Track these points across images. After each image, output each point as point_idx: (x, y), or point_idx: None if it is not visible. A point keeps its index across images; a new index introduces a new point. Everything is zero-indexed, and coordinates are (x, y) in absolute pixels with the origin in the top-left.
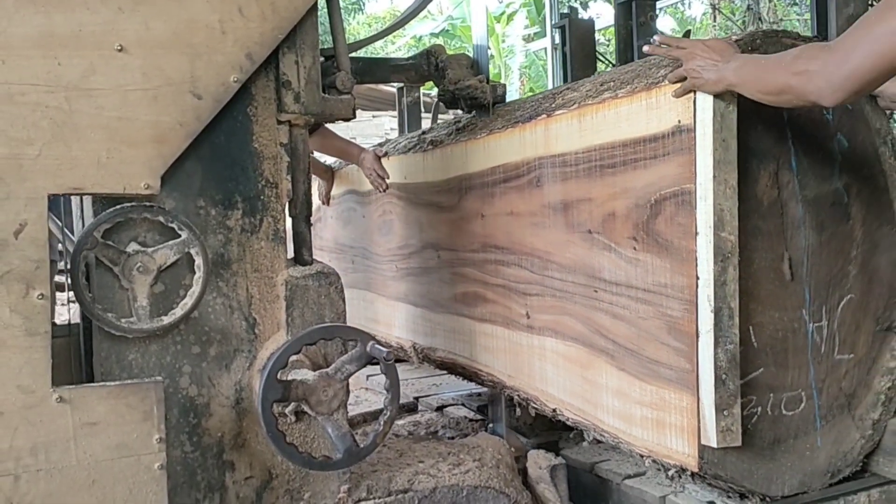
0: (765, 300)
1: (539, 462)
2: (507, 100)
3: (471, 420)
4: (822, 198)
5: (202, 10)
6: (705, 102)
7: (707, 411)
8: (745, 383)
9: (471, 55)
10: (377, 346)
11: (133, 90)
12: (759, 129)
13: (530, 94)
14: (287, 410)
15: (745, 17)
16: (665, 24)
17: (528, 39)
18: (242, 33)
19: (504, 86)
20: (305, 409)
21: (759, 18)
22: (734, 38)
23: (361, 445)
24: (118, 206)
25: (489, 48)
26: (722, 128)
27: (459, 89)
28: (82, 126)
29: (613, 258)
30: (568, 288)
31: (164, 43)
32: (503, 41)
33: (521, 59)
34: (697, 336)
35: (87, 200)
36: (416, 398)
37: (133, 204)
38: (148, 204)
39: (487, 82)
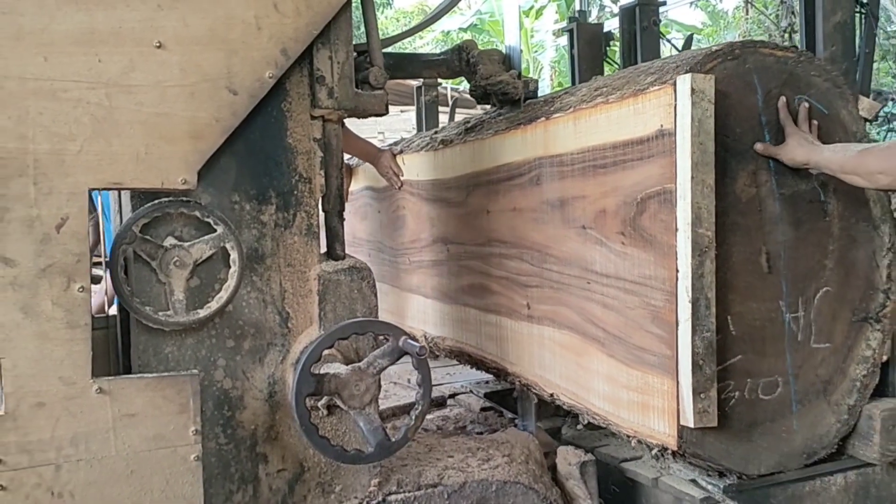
0: (743, 291)
1: (568, 458)
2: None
3: (500, 415)
4: (800, 195)
5: (238, 6)
6: (684, 109)
7: (685, 394)
8: (723, 369)
9: (501, 50)
10: (409, 340)
11: (171, 86)
12: (738, 132)
13: (559, 88)
14: (319, 404)
15: (778, 10)
16: (696, 17)
17: (557, 34)
18: (277, 29)
19: (536, 81)
20: (338, 402)
21: (793, 12)
22: (714, 48)
23: (393, 439)
24: (156, 201)
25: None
26: (700, 132)
27: (491, 84)
28: (122, 122)
29: (604, 252)
30: (564, 280)
31: (202, 39)
32: (532, 36)
33: (550, 53)
34: (677, 324)
35: (126, 195)
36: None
37: (170, 199)
38: (185, 199)
39: (519, 77)
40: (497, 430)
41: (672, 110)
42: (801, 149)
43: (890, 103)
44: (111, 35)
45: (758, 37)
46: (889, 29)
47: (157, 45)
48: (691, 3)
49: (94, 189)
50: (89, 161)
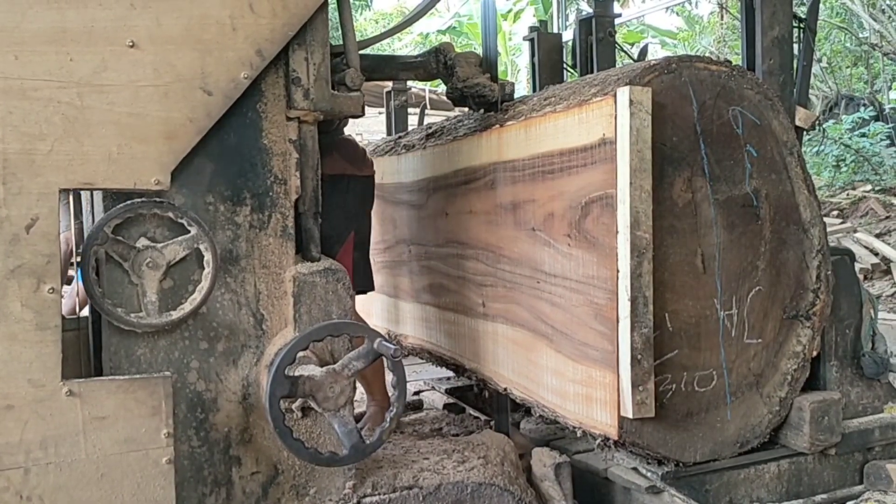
0: (680, 290)
1: (543, 460)
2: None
3: (475, 417)
4: (733, 200)
5: (213, 7)
6: (623, 119)
7: (625, 386)
8: (661, 363)
9: (479, 53)
10: (384, 342)
11: (144, 86)
12: (675, 141)
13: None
14: (294, 406)
15: None
16: (673, 22)
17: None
18: (253, 30)
19: (512, 84)
20: (312, 405)
21: None
22: (653, 62)
23: (367, 442)
24: (128, 202)
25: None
26: (638, 141)
27: (468, 87)
28: (94, 122)
29: (552, 253)
30: (516, 279)
31: (176, 39)
32: (510, 39)
33: (528, 56)
34: (618, 321)
35: (98, 196)
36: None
37: (143, 199)
38: (158, 200)
39: (496, 81)
40: (473, 432)
41: (613, 120)
42: None
43: (861, 108)
44: (83, 34)
45: (731, 42)
46: (861, 35)
47: (130, 44)
48: (667, 9)
49: (64, 189)
50: (60, 161)
